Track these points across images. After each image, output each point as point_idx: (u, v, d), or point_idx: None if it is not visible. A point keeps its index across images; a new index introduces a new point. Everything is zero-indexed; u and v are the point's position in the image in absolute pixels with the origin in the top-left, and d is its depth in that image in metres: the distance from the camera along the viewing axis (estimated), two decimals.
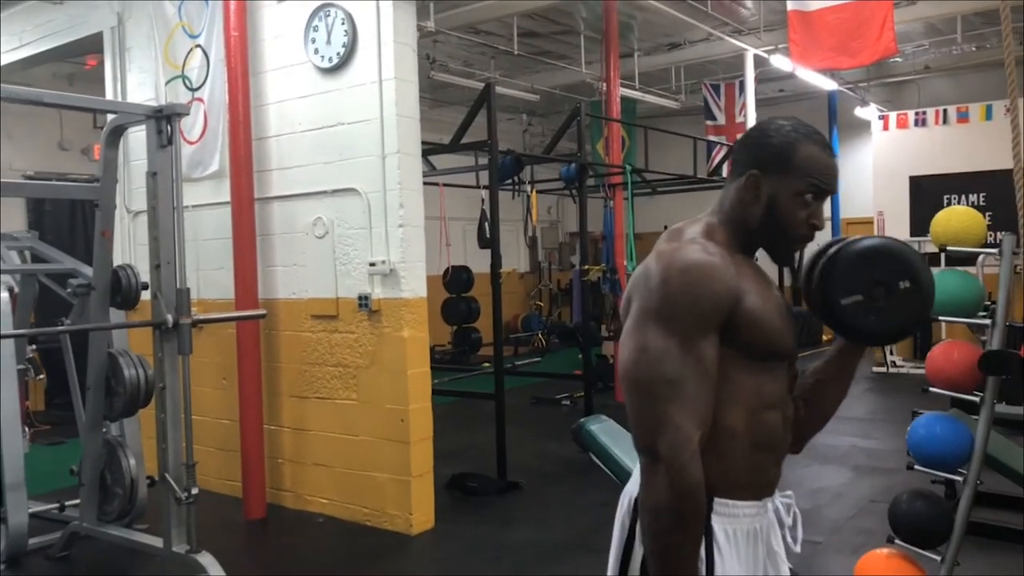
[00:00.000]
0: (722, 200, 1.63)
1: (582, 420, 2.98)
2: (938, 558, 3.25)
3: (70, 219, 9.75)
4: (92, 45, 6.54)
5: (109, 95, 6.13)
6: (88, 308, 4.87)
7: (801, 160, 1.54)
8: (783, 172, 1.55)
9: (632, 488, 1.58)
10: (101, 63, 7.23)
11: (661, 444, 1.39)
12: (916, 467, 3.35)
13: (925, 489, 3.47)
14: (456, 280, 10.78)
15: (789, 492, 1.68)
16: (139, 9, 5.93)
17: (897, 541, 3.36)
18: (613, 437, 2.78)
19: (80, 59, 8.66)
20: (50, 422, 7.79)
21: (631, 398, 1.46)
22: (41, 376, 5.01)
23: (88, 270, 4.95)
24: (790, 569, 1.64)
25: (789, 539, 1.63)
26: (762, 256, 1.65)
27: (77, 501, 4.72)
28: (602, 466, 2.83)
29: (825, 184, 1.56)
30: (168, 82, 5.68)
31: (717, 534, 1.48)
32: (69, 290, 4.90)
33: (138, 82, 5.98)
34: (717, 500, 1.49)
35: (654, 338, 1.44)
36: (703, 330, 1.44)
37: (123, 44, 6.08)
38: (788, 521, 1.65)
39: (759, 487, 1.56)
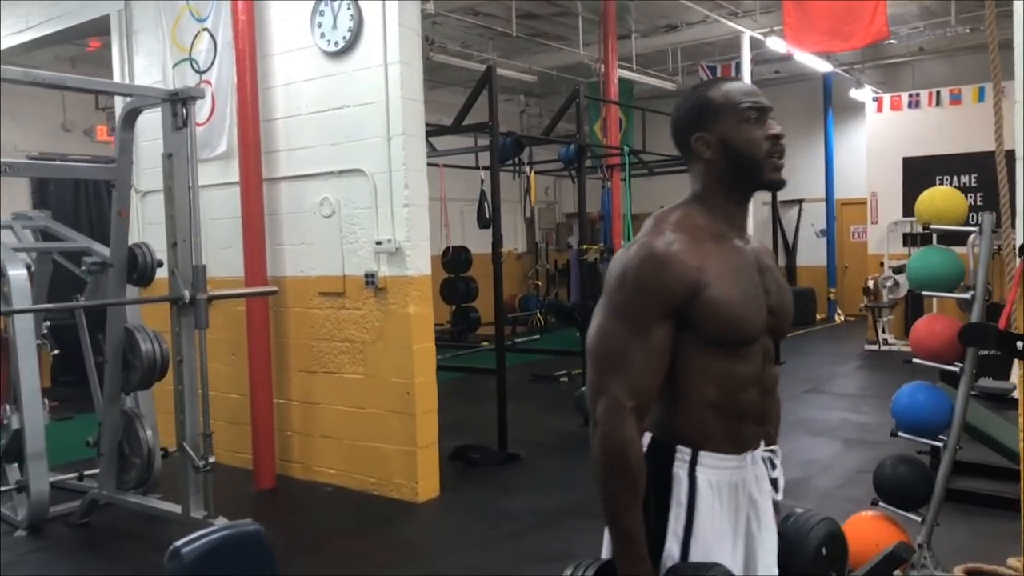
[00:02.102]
0: (692, 182, 1.75)
1: (583, 388, 3.15)
2: (919, 519, 3.44)
3: (74, 198, 9.86)
4: (98, 28, 6.65)
5: (116, 77, 6.24)
6: (102, 285, 5.04)
7: (720, 98, 1.67)
8: (715, 117, 1.66)
9: None
10: (104, 46, 7.33)
11: (598, 409, 1.57)
12: (900, 434, 3.53)
13: (908, 454, 3.67)
14: (455, 260, 10.94)
15: (774, 447, 1.82)
16: None
17: (881, 504, 3.55)
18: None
19: (82, 41, 8.75)
20: (58, 399, 7.96)
21: (587, 369, 1.66)
22: (56, 351, 5.16)
23: (101, 248, 5.11)
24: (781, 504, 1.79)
25: (771, 488, 1.77)
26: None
27: (95, 471, 4.91)
28: None
29: (754, 101, 1.67)
30: (176, 65, 5.80)
31: (700, 483, 1.63)
32: (84, 268, 5.06)
33: (145, 65, 6.10)
34: (701, 453, 1.64)
35: (608, 320, 1.61)
36: (653, 317, 1.58)
37: (130, 27, 6.19)
38: (773, 473, 1.79)
39: (739, 444, 1.69)
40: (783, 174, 1.71)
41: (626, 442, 1.55)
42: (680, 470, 1.63)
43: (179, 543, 1.66)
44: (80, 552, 4.45)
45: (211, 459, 4.06)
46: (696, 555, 1.60)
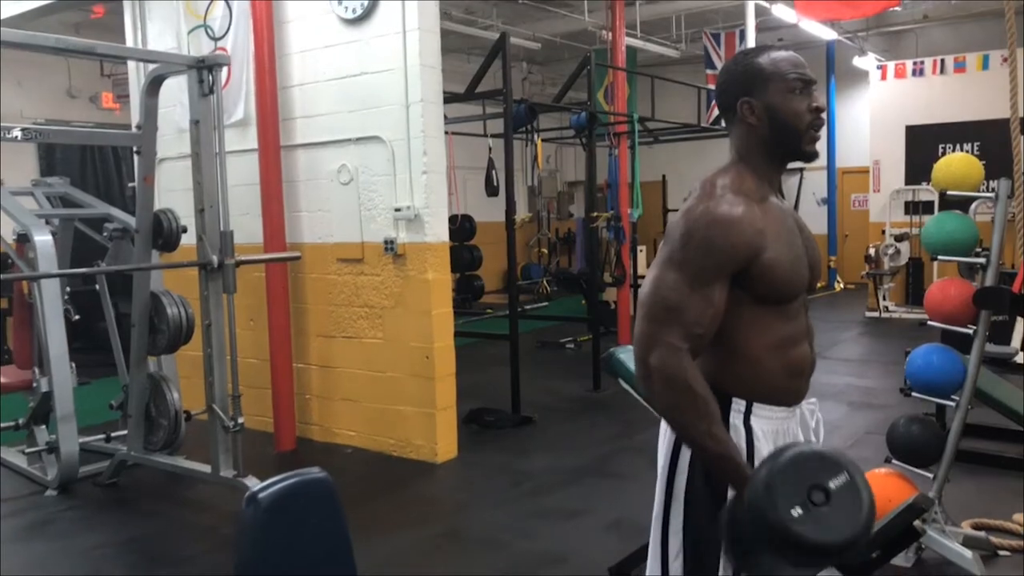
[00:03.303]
0: (734, 144, 1.83)
1: (612, 349, 3.24)
2: (931, 476, 3.57)
3: (81, 165, 9.89)
4: None
5: (129, 43, 6.25)
6: (123, 251, 5.11)
7: (769, 66, 1.75)
8: (763, 84, 1.75)
9: None
10: (110, 12, 7.32)
11: (652, 357, 1.63)
12: (913, 394, 3.65)
13: (920, 414, 3.78)
14: (460, 229, 10.99)
15: (813, 400, 1.94)
16: None
17: (894, 461, 3.67)
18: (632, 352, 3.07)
19: (86, 7, 8.72)
20: (73, 364, 8.04)
21: (638, 320, 1.71)
22: (77, 317, 5.23)
23: (121, 215, 5.17)
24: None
25: (812, 436, 1.89)
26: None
27: (120, 433, 5.01)
28: (630, 390, 3.11)
29: (801, 73, 1.76)
30: (191, 31, 5.82)
31: (756, 431, 1.74)
32: (105, 234, 5.13)
33: (158, 31, 6.10)
34: (756, 404, 1.75)
35: (667, 276, 1.67)
36: (714, 276, 1.65)
37: None
38: (812, 423, 1.91)
39: (789, 397, 1.81)
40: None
41: (689, 376, 1.62)
42: (736, 420, 1.73)
43: (255, 488, 1.75)
44: (111, 510, 4.57)
45: (240, 420, 4.16)
46: None
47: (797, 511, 1.43)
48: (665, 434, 1.85)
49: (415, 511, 4.42)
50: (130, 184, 7.44)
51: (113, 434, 5.09)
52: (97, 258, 5.47)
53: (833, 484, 1.45)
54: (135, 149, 4.49)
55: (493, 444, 5.60)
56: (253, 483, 4.16)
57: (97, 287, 5.45)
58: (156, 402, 4.75)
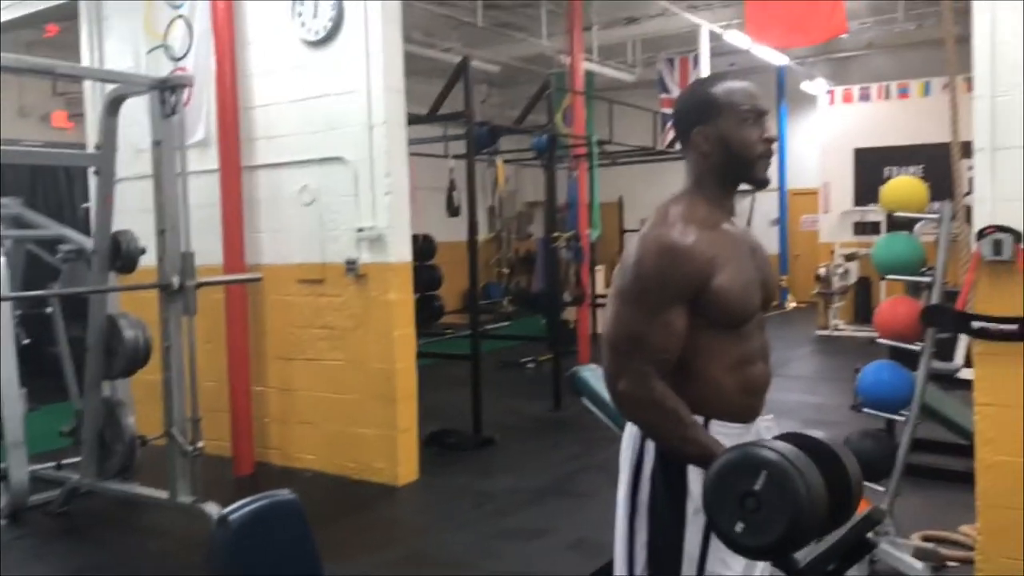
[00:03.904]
0: (689, 170, 1.90)
1: (576, 368, 3.29)
2: (883, 489, 3.67)
3: (31, 185, 9.66)
4: (63, 13, 6.57)
5: (85, 63, 6.18)
6: (77, 273, 5.03)
7: (724, 96, 1.82)
8: (717, 114, 1.82)
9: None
10: (64, 30, 7.23)
11: (621, 384, 1.74)
12: (865, 409, 3.75)
13: (872, 429, 3.89)
14: (420, 249, 11.00)
15: (770, 416, 2.00)
16: None
17: None
18: (603, 382, 3.12)
19: (39, 26, 8.59)
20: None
21: (604, 354, 1.80)
22: (27, 340, 5.14)
23: (76, 236, 5.10)
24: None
25: None
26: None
27: (72, 460, 4.91)
28: (593, 408, 3.15)
29: (754, 103, 1.83)
30: (150, 51, 5.78)
31: None
32: (59, 256, 5.05)
33: (117, 51, 6.05)
34: (713, 421, 1.81)
35: (625, 310, 1.77)
36: (670, 303, 1.74)
37: (100, 13, 6.14)
38: (769, 438, 1.97)
39: (745, 413, 1.88)
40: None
41: (656, 395, 1.71)
42: None
43: (226, 511, 1.75)
44: (62, 539, 4.47)
45: (200, 444, 4.11)
46: None
47: (740, 526, 1.47)
48: (627, 449, 1.91)
49: (377, 534, 4.40)
50: (84, 205, 7.32)
51: (64, 461, 4.99)
52: (45, 280, 5.36)
53: (757, 486, 1.47)
54: (93, 169, 4.43)
55: (455, 466, 5.60)
56: (212, 508, 4.11)
57: (49, 310, 5.35)
58: (110, 427, 4.66)
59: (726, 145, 1.82)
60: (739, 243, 1.87)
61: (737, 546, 1.51)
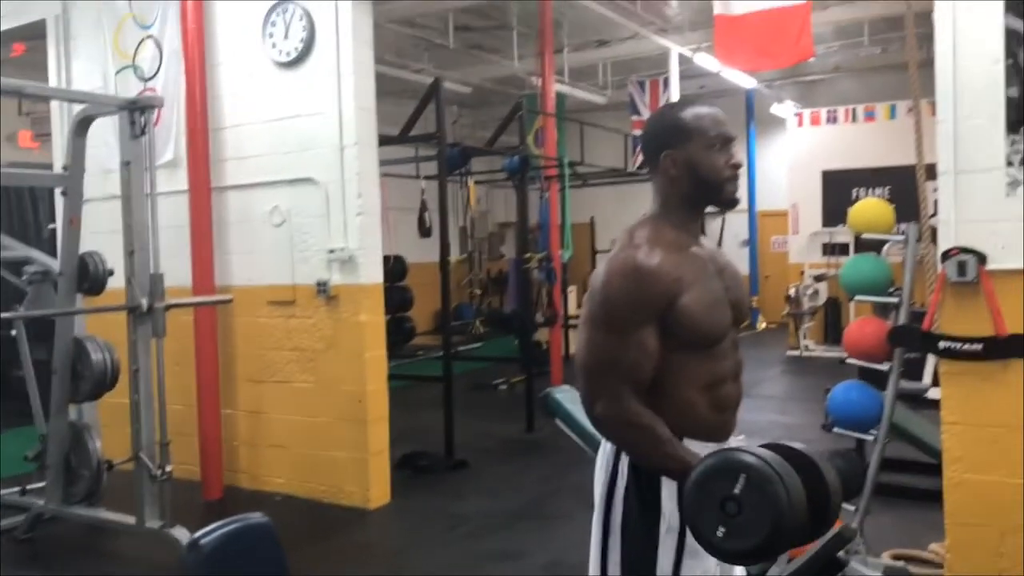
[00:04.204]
0: (657, 193, 1.93)
1: (549, 389, 3.30)
2: (852, 508, 3.70)
3: None
4: (30, 32, 6.49)
5: (52, 83, 6.12)
6: (44, 295, 4.94)
7: (692, 122, 1.86)
8: (686, 139, 1.86)
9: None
10: (30, 50, 7.15)
11: (597, 408, 1.77)
12: (835, 429, 3.79)
13: (843, 448, 3.93)
14: (391, 270, 10.97)
15: (742, 435, 2.02)
16: None
17: None
18: (577, 404, 3.10)
19: (6, 45, 8.49)
20: None
21: (579, 379, 1.83)
22: None
23: (42, 257, 5.02)
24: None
25: None
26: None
27: (37, 485, 4.80)
28: (566, 430, 3.15)
29: (721, 130, 1.87)
30: (118, 72, 5.74)
31: None
32: (25, 277, 4.96)
33: (85, 71, 6.00)
34: (686, 440, 1.82)
35: (596, 336, 1.80)
36: (640, 323, 1.76)
37: (67, 32, 6.08)
38: None
39: (717, 432, 1.89)
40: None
41: (631, 415, 1.73)
42: None
43: (197, 535, 1.73)
44: (26, 567, 4.36)
45: (168, 468, 4.05)
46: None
47: (721, 531, 1.48)
48: (601, 469, 1.92)
49: (349, 558, 4.35)
50: (49, 226, 7.21)
51: (29, 486, 4.87)
52: (9, 303, 5.25)
53: (737, 490, 1.48)
54: (61, 190, 4.38)
55: (427, 488, 5.56)
56: (181, 533, 4.04)
57: (13, 332, 5.24)
58: (77, 452, 4.58)
59: (694, 169, 1.86)
60: (705, 264, 1.90)
61: (719, 551, 1.54)
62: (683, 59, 10.25)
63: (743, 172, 14.28)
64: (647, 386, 1.78)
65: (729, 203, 1.91)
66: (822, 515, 1.57)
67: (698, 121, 1.86)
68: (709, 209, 1.95)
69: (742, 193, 14.79)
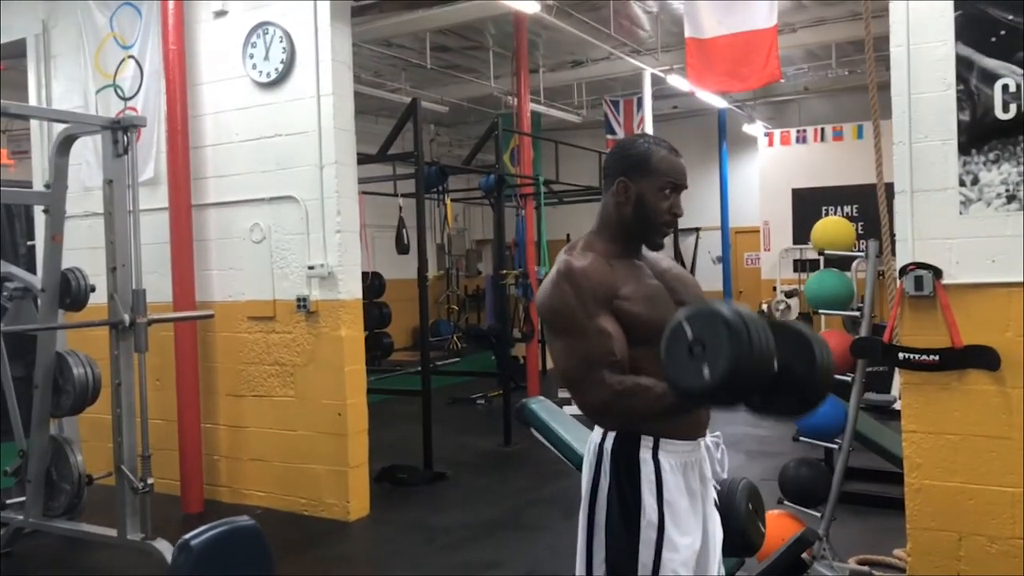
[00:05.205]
0: (601, 211, 2.08)
1: (524, 400, 3.39)
2: (819, 515, 3.83)
3: None
4: (10, 51, 6.53)
5: (33, 102, 6.16)
6: (24, 311, 4.98)
7: (657, 163, 2.00)
8: (644, 174, 2.00)
9: (595, 437, 2.02)
10: (10, 68, 7.18)
11: (589, 398, 1.86)
12: (801, 438, 3.93)
13: (809, 457, 4.06)
14: (369, 286, 11.06)
15: (718, 433, 2.12)
16: (66, 17, 6.02)
17: (786, 503, 3.93)
18: (551, 413, 3.22)
19: None
20: None
21: (568, 390, 1.94)
22: None
23: (22, 274, 5.06)
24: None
25: (717, 467, 2.08)
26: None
27: (17, 500, 4.81)
28: (541, 438, 3.25)
29: (678, 180, 2.02)
30: (99, 91, 5.80)
31: (663, 464, 1.92)
32: (5, 294, 5.00)
33: (65, 89, 6.05)
34: (662, 440, 1.93)
35: (561, 342, 1.92)
36: (592, 315, 1.87)
37: (48, 52, 6.13)
38: (717, 455, 2.09)
39: (691, 430, 1.99)
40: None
41: (616, 382, 1.83)
42: (645, 455, 1.91)
43: (187, 536, 1.80)
44: None
45: (150, 481, 4.09)
46: (670, 519, 1.89)
47: (706, 371, 1.60)
48: (586, 472, 2.02)
49: (329, 570, 4.41)
50: (28, 243, 7.23)
51: (9, 501, 4.88)
52: None
53: (690, 335, 1.63)
54: (43, 208, 4.43)
55: (406, 501, 5.63)
56: (163, 545, 4.09)
57: None
58: (58, 466, 4.60)
59: (640, 203, 2.00)
60: (641, 268, 2.03)
61: (701, 393, 1.65)
62: (656, 79, 10.45)
63: (717, 190, 14.71)
64: (626, 365, 1.87)
65: (657, 245, 2.07)
66: (810, 384, 1.78)
67: (660, 163, 2.00)
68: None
69: (714, 210, 15.19)
